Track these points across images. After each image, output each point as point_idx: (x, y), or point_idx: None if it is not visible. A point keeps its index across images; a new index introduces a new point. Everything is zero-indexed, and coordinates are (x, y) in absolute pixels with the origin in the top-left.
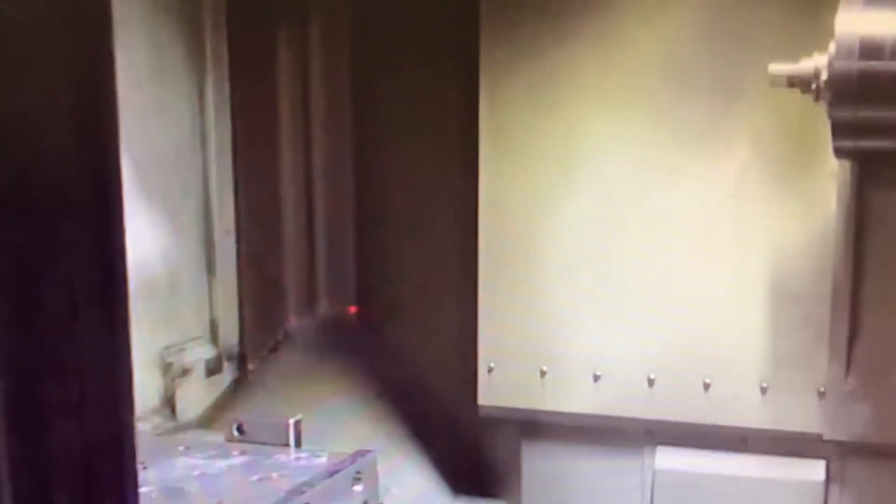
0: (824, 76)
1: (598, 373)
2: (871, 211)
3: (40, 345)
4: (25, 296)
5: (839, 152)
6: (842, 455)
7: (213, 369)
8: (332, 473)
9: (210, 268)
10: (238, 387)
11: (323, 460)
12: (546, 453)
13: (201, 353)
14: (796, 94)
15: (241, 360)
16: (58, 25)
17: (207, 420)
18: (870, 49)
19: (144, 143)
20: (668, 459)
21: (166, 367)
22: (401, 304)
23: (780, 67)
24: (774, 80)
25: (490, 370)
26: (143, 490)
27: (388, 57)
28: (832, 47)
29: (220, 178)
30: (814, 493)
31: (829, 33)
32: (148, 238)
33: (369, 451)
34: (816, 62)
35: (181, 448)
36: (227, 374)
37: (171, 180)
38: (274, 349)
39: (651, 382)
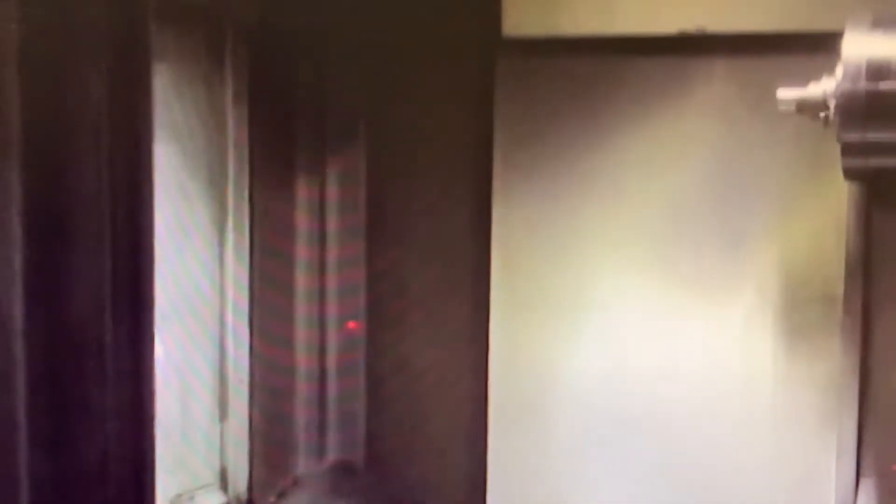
0: (832, 99)
1: None
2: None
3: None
4: (61, 451)
5: (849, 173)
6: None
7: None
8: None
9: (222, 415)
10: None
11: None
12: None
13: (211, 500)
14: (801, 241)
15: None
16: (102, 182)
17: None
18: (877, 70)
19: (164, 292)
20: None
21: None
22: (410, 453)
23: (788, 93)
24: (783, 106)
25: None
26: None
27: (403, 204)
28: (839, 70)
29: (235, 326)
30: None
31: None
32: (164, 386)
33: None
34: (825, 86)
35: None
36: None
37: (189, 327)
38: (282, 494)
39: None
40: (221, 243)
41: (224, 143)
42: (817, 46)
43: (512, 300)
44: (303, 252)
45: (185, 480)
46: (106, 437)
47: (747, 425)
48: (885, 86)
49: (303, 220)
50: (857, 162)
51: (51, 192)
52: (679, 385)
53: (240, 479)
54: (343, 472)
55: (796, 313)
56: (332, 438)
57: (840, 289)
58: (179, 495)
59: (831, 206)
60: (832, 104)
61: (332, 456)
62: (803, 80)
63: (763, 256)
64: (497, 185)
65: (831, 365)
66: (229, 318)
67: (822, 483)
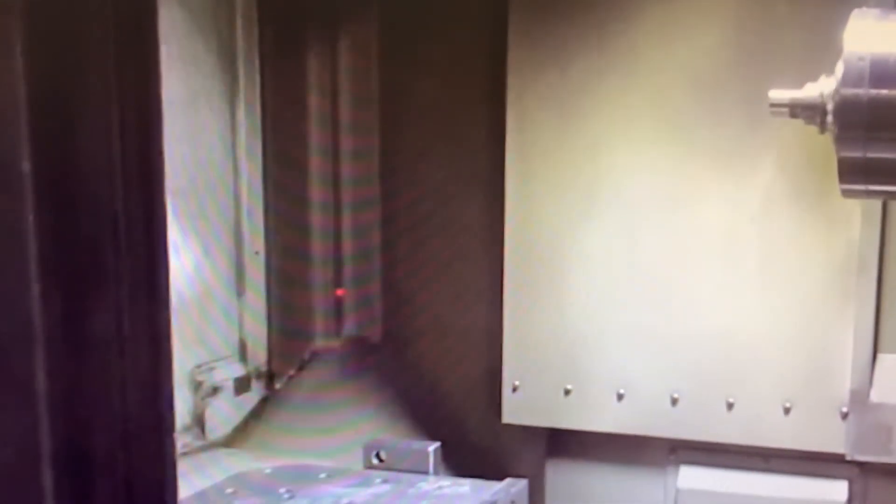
0: (830, 105)
1: (621, 391)
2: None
3: (91, 370)
4: (77, 320)
5: (847, 194)
6: (864, 475)
7: (241, 388)
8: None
9: (239, 288)
10: (266, 405)
11: (466, 489)
12: (570, 471)
13: (231, 371)
14: None
15: (269, 379)
16: (108, 56)
17: (236, 438)
18: (882, 73)
19: (177, 165)
20: (691, 478)
21: (196, 386)
22: (426, 325)
23: (781, 94)
24: (775, 109)
25: (515, 389)
26: None
27: (416, 78)
28: (839, 70)
29: (250, 199)
30: None
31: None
32: (179, 258)
33: (521, 479)
34: (822, 87)
35: (322, 475)
36: (256, 393)
37: (203, 201)
38: (300, 368)
39: (674, 401)
40: (233, 113)
41: (233, 10)
42: None
43: (526, 172)
44: (316, 122)
45: (204, 353)
46: (120, 308)
47: (764, 300)
48: (892, 93)
49: (314, 88)
50: (857, 186)
51: (53, 56)
52: (695, 258)
53: (258, 353)
54: (360, 347)
55: (816, 186)
56: (349, 313)
57: None
58: (198, 366)
59: None
60: (830, 111)
61: (348, 331)
62: None
63: (784, 128)
64: (512, 57)
65: (850, 240)
66: (243, 190)
67: (839, 358)
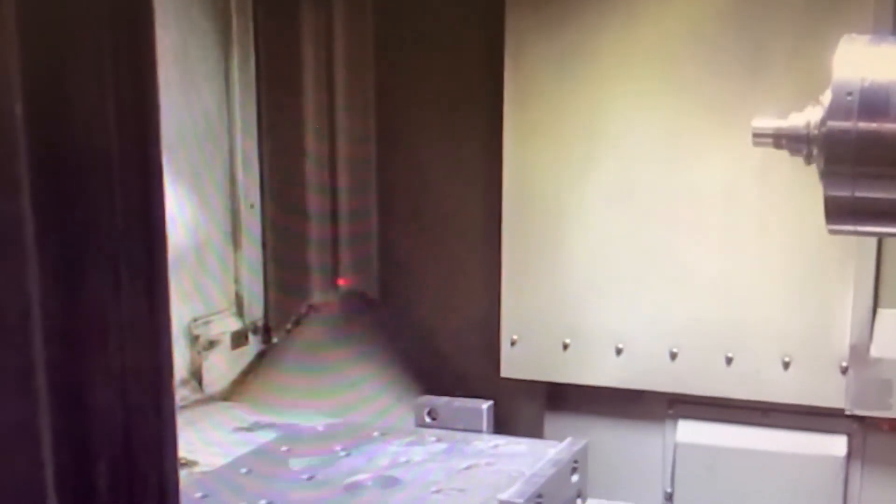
0: (816, 137)
1: (620, 346)
2: None
3: (85, 318)
4: (72, 271)
5: (835, 233)
6: (863, 430)
7: (238, 342)
8: (555, 463)
9: (235, 242)
10: (263, 359)
11: (523, 447)
12: (568, 425)
13: (227, 325)
14: (824, 67)
15: (266, 333)
16: (101, 6)
17: (234, 392)
18: (872, 105)
19: (172, 118)
20: (690, 433)
21: (193, 340)
22: (424, 279)
23: (765, 123)
24: (759, 140)
25: (513, 343)
26: (357, 478)
27: (412, 33)
28: (827, 99)
29: (244, 153)
30: (835, 467)
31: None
32: (175, 212)
33: (583, 441)
34: (809, 117)
35: (375, 434)
36: (253, 347)
37: (198, 155)
38: (297, 323)
39: (673, 356)
40: (227, 68)
41: None
42: None
43: (525, 130)
44: (310, 73)
45: (200, 307)
46: (116, 261)
47: (764, 255)
48: (882, 126)
49: (309, 40)
50: (846, 227)
51: (47, 5)
52: (695, 213)
53: (255, 307)
54: (356, 301)
55: None
56: (345, 267)
57: None
58: (195, 320)
59: (856, 29)
60: (816, 144)
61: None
62: None
63: (784, 81)
64: (510, 10)
65: None
66: (238, 144)
67: (839, 313)
